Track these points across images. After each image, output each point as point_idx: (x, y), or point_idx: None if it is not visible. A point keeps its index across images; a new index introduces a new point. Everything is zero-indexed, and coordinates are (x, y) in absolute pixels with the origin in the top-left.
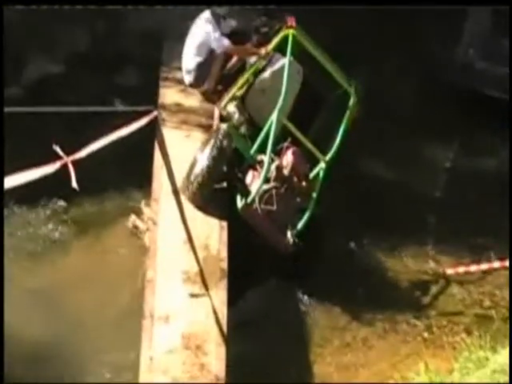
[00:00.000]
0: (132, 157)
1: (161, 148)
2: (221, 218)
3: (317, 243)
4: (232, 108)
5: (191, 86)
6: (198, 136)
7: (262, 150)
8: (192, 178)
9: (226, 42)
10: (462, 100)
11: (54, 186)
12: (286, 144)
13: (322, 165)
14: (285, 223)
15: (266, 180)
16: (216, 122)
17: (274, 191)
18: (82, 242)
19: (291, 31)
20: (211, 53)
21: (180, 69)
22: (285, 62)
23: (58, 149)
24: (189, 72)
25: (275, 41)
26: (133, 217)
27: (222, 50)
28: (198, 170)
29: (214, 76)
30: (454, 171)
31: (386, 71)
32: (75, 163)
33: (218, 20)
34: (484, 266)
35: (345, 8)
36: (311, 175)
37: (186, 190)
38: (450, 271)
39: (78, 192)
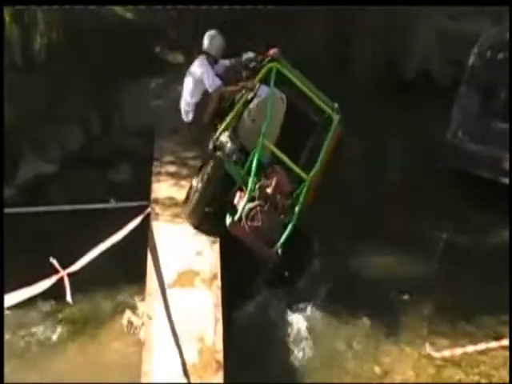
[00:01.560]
0: (125, 252)
1: (154, 242)
2: (214, 235)
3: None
4: (225, 138)
5: (190, 124)
6: (191, 228)
7: (250, 173)
8: (189, 200)
9: (219, 82)
10: (455, 181)
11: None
12: (275, 166)
13: (306, 183)
14: (270, 237)
15: (252, 199)
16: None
17: (258, 208)
18: (78, 342)
19: (274, 64)
20: (206, 92)
21: (172, 163)
22: (271, 96)
23: (54, 261)
24: (187, 112)
25: (259, 75)
26: (128, 312)
27: (214, 90)
28: (193, 193)
29: (210, 112)
30: (448, 251)
31: (379, 149)
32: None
33: (211, 62)
34: (481, 347)
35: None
36: (297, 192)
37: (185, 211)
38: (446, 353)
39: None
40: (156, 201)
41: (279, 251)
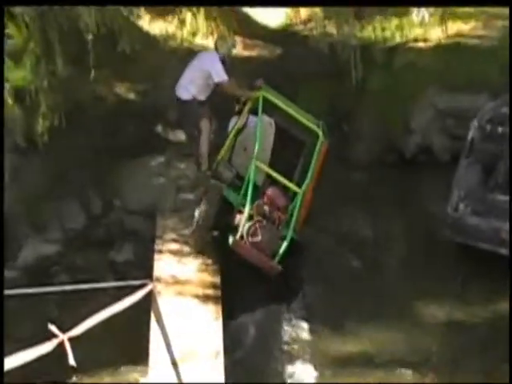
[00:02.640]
0: (128, 330)
1: (157, 320)
2: (215, 260)
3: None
4: (221, 168)
5: (179, 101)
6: (194, 306)
7: (247, 195)
8: (193, 226)
9: (225, 75)
10: (456, 254)
11: (50, 367)
12: (270, 186)
13: (299, 196)
14: (271, 250)
15: (250, 217)
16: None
17: (257, 225)
18: None
19: (261, 93)
20: (208, 80)
21: (174, 240)
22: (258, 121)
23: (53, 327)
24: (185, 88)
25: (249, 104)
26: None
27: (219, 80)
28: (196, 219)
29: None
30: (450, 325)
31: (381, 224)
32: (71, 340)
33: (221, 58)
34: None
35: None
36: (292, 206)
37: (191, 237)
38: None
39: (75, 369)
40: (158, 279)
41: (280, 263)
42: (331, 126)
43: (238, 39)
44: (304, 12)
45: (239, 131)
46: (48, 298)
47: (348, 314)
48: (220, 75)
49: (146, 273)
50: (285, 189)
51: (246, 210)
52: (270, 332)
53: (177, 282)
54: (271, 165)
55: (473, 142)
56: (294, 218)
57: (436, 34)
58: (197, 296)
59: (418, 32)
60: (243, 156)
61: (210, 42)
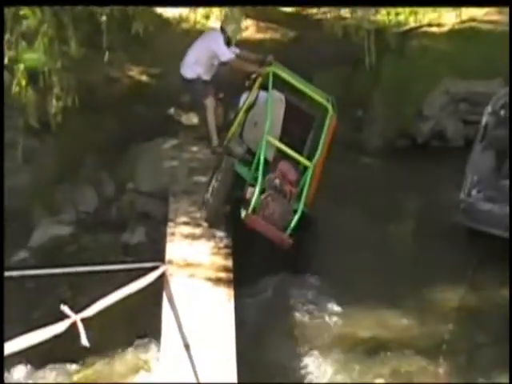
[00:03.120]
0: (140, 312)
1: (169, 302)
2: (227, 233)
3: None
4: (232, 144)
5: (185, 80)
6: (206, 288)
7: (258, 169)
8: (206, 200)
9: (231, 54)
10: (468, 239)
11: (62, 348)
12: (280, 160)
13: (310, 169)
14: (283, 223)
15: (262, 191)
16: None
17: (269, 198)
18: None
19: (271, 68)
20: (214, 56)
21: (186, 223)
22: (268, 96)
23: (65, 308)
24: (190, 67)
25: (259, 80)
26: (142, 373)
27: (225, 59)
28: (209, 193)
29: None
30: (462, 310)
31: (394, 208)
32: (84, 321)
33: (225, 39)
34: None
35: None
36: (303, 180)
37: (203, 210)
38: None
39: (87, 352)
40: (170, 261)
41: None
42: (345, 110)
43: (251, 22)
44: None
45: (250, 107)
46: (61, 279)
47: (359, 297)
48: (225, 54)
49: (159, 255)
50: (295, 163)
51: (258, 183)
52: (282, 312)
53: (189, 264)
54: (281, 139)
55: (486, 127)
56: (304, 192)
57: (450, 19)
58: (209, 279)
59: (431, 17)
60: (254, 131)
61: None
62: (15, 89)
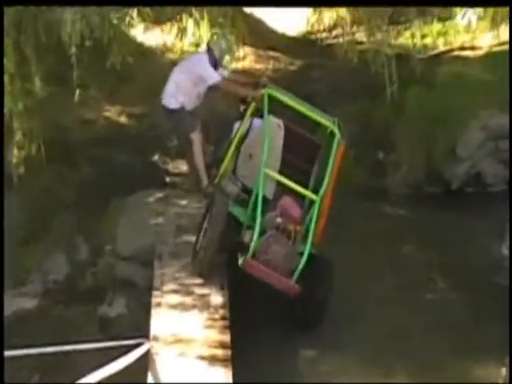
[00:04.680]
0: None
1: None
2: (221, 283)
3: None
4: (225, 182)
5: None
6: (200, 368)
7: (256, 208)
8: (197, 247)
9: (220, 76)
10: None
11: None
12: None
13: (316, 203)
14: (287, 267)
15: (262, 232)
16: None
17: (270, 240)
18: None
19: (266, 91)
20: (198, 81)
21: (175, 292)
22: (264, 122)
23: None
24: (172, 96)
25: (252, 105)
26: None
27: (214, 82)
28: (201, 240)
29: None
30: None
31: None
32: None
33: (212, 61)
34: None
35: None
36: (309, 217)
37: (193, 261)
38: None
39: None
40: (156, 338)
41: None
42: (364, 152)
43: (250, 50)
44: (328, 17)
45: (242, 138)
46: (27, 361)
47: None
48: (213, 77)
49: (142, 330)
50: (299, 198)
51: (257, 224)
52: None
53: (178, 340)
54: (282, 172)
55: None
56: (311, 230)
57: (486, 41)
58: (202, 357)
59: (464, 38)
60: (249, 165)
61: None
62: None
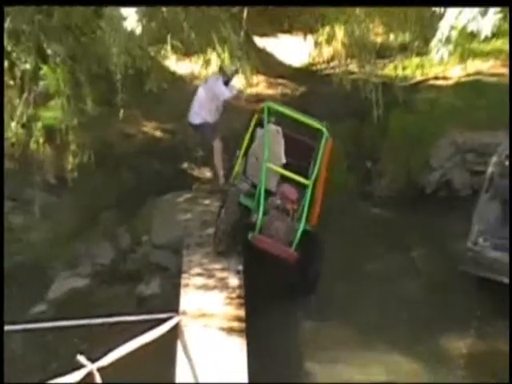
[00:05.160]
0: (155, 361)
1: (184, 352)
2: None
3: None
4: (237, 181)
5: (192, 125)
6: (219, 338)
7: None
8: (215, 233)
9: (230, 92)
10: (475, 288)
11: None
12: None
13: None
14: (288, 239)
15: (266, 213)
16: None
17: (272, 218)
18: None
19: (266, 103)
20: (215, 98)
21: (200, 275)
22: (264, 129)
23: (82, 358)
24: (196, 113)
25: (255, 117)
26: None
27: (224, 97)
28: (218, 225)
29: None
30: (469, 357)
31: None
32: (100, 371)
33: (224, 80)
34: None
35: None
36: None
37: (214, 242)
38: None
39: None
40: (184, 312)
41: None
42: (354, 162)
43: (262, 78)
44: (327, 51)
45: (249, 144)
46: (77, 330)
47: (369, 343)
48: (224, 93)
49: (173, 306)
50: (297, 185)
51: (261, 205)
52: (293, 360)
53: (202, 315)
54: (285, 169)
55: (492, 177)
56: (305, 208)
57: (456, 72)
58: (222, 329)
59: (438, 70)
60: (256, 166)
61: (234, 81)
62: (33, 146)
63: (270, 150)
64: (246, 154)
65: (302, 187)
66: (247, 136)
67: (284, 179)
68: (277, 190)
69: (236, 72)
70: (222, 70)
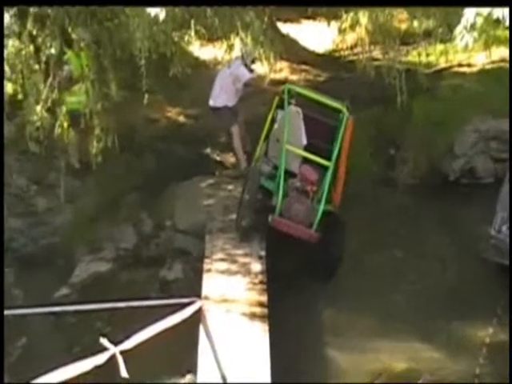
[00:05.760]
0: (178, 345)
1: (206, 336)
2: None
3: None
4: (259, 163)
5: (213, 109)
6: (242, 323)
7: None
8: (238, 214)
9: (251, 74)
10: (498, 275)
11: (102, 379)
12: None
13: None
14: (309, 220)
15: (285, 195)
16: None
17: (292, 200)
18: None
19: (286, 85)
20: (236, 81)
21: (222, 260)
22: (287, 113)
23: (105, 341)
24: (217, 96)
25: (276, 99)
26: None
27: (246, 79)
28: (240, 206)
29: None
30: (491, 347)
31: (427, 250)
32: (123, 354)
33: (244, 64)
34: None
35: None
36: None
37: (236, 226)
38: None
39: (128, 381)
40: (207, 297)
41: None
42: (378, 149)
43: (285, 64)
44: (350, 38)
45: (271, 126)
46: (101, 314)
47: (392, 331)
48: (245, 75)
49: (195, 291)
50: (318, 166)
51: (280, 188)
52: (314, 346)
53: (225, 300)
54: (307, 150)
55: None
56: (325, 189)
57: (480, 60)
58: (244, 314)
59: (462, 57)
60: (277, 147)
61: (257, 66)
62: (57, 130)
63: (289, 131)
64: (267, 136)
65: (323, 168)
66: (269, 118)
67: (306, 161)
68: (298, 172)
69: (256, 57)
70: (242, 55)
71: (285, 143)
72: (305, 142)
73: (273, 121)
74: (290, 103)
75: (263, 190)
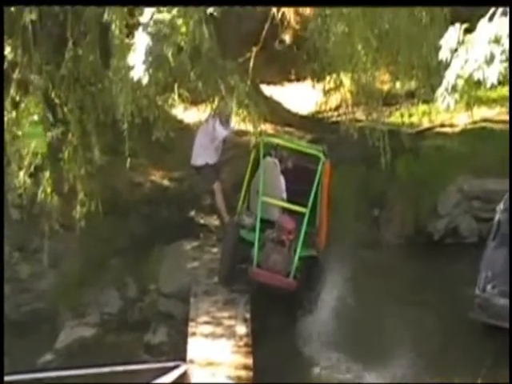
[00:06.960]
0: None
1: None
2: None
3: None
4: (242, 217)
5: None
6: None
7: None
8: (219, 266)
9: (225, 131)
10: (483, 335)
11: None
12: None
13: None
14: (284, 269)
15: (261, 247)
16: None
17: (268, 251)
18: None
19: (261, 138)
20: (214, 139)
21: (207, 323)
22: (263, 165)
23: None
24: (198, 155)
25: (254, 152)
26: None
27: (222, 135)
28: (221, 258)
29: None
30: None
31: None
32: None
33: (223, 122)
34: None
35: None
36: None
37: (218, 278)
38: None
39: None
40: (192, 361)
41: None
42: (362, 210)
43: (269, 126)
44: (334, 99)
45: (251, 179)
46: (85, 379)
47: None
48: (220, 132)
49: (180, 354)
50: (296, 214)
51: (256, 240)
52: None
53: (210, 363)
54: (289, 199)
55: (499, 224)
56: (301, 235)
57: (462, 120)
58: (229, 377)
59: (444, 117)
60: (258, 199)
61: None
62: (41, 196)
63: (266, 182)
64: (248, 189)
65: (301, 215)
66: (248, 171)
67: (285, 209)
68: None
69: (230, 114)
70: (216, 113)
71: (260, 195)
72: (284, 194)
73: (252, 173)
74: (270, 154)
75: (245, 243)
